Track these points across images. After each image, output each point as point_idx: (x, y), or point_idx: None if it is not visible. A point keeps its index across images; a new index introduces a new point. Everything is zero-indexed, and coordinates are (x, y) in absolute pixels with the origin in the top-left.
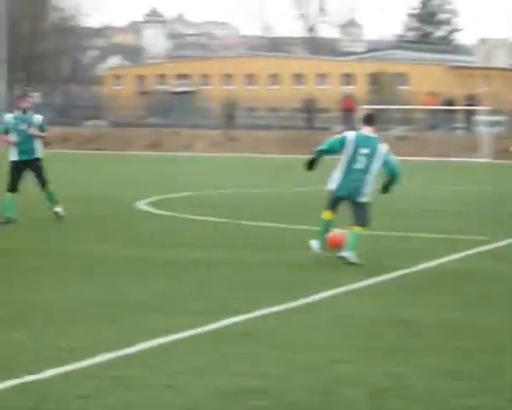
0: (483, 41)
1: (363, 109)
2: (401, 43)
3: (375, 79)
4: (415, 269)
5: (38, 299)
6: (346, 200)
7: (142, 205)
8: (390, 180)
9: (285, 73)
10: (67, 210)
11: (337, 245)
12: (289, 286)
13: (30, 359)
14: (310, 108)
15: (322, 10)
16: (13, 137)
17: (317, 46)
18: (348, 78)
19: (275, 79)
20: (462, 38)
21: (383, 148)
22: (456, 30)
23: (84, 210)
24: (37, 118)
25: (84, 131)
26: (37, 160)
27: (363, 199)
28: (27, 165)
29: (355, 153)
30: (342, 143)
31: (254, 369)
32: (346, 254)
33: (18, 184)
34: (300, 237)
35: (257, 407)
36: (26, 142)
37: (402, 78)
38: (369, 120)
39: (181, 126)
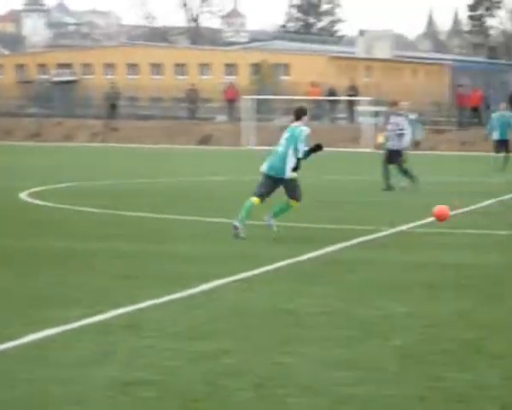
0: (364, 32)
1: (245, 99)
2: (284, 34)
3: (258, 70)
4: (301, 258)
5: None
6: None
7: (23, 196)
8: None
9: (167, 63)
10: None
11: (444, 217)
12: (174, 277)
13: None
14: (192, 99)
15: (204, 0)
16: None
17: (199, 36)
18: (231, 68)
19: (157, 68)
20: (345, 29)
21: (302, 131)
22: (338, 21)
23: None
24: None
25: None
26: None
27: (287, 176)
28: None
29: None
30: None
31: (141, 360)
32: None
33: None
34: (182, 227)
35: (144, 399)
36: None
37: (284, 68)
38: (297, 114)
39: (62, 116)
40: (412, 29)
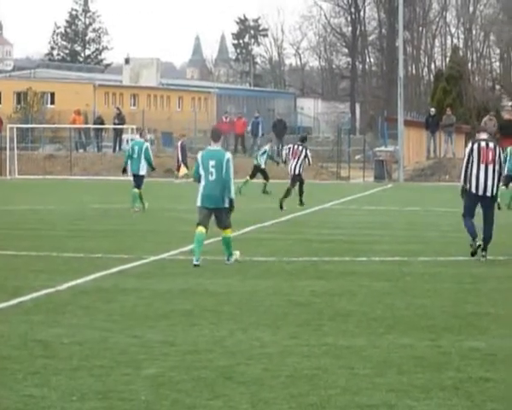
0: (129, 60)
1: (10, 128)
2: (49, 62)
3: (23, 98)
4: (60, 288)
5: None
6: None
7: None
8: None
9: None
10: None
11: None
12: None
13: None
14: None
15: None
16: None
17: None
18: None
19: None
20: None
21: (227, 155)
22: (104, 49)
23: None
24: None
25: None
26: None
27: (225, 205)
28: None
29: (207, 167)
30: (196, 164)
31: None
32: (230, 262)
33: None
34: None
35: None
36: None
37: (50, 96)
38: (215, 135)
39: None
40: (179, 57)
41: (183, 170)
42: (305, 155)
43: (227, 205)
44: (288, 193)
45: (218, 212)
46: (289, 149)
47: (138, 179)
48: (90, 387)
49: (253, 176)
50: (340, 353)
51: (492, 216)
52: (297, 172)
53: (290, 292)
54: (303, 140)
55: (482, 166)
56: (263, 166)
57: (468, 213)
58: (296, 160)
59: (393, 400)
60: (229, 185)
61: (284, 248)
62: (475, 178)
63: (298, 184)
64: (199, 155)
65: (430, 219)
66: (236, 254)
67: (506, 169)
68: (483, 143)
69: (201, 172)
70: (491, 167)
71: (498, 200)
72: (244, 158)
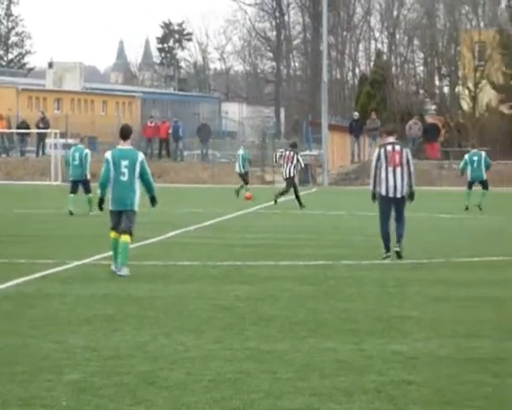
0: (53, 64)
1: None
2: None
3: None
4: None
5: None
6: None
7: None
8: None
9: None
10: None
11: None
12: None
13: None
14: None
15: None
16: None
17: None
18: None
19: None
20: (35, 61)
21: (140, 155)
22: (28, 53)
23: None
24: None
25: None
26: None
27: (134, 208)
28: None
29: (119, 167)
30: (106, 164)
31: None
32: (122, 271)
33: None
34: None
35: None
36: None
37: None
38: (124, 133)
39: None
40: (103, 61)
41: None
42: (297, 160)
43: (135, 208)
44: (283, 193)
45: (125, 213)
46: (281, 154)
47: (85, 185)
48: (12, 393)
49: (245, 182)
50: (262, 357)
51: (403, 216)
52: (291, 174)
53: (215, 296)
54: (293, 146)
55: (390, 169)
56: (243, 171)
57: (385, 218)
58: (289, 164)
59: (316, 403)
60: (151, 184)
61: (208, 252)
62: (385, 181)
63: (293, 188)
64: (108, 155)
65: (355, 223)
66: (127, 270)
67: (470, 174)
68: (389, 147)
69: (111, 172)
70: (398, 170)
71: (466, 202)
72: (168, 162)
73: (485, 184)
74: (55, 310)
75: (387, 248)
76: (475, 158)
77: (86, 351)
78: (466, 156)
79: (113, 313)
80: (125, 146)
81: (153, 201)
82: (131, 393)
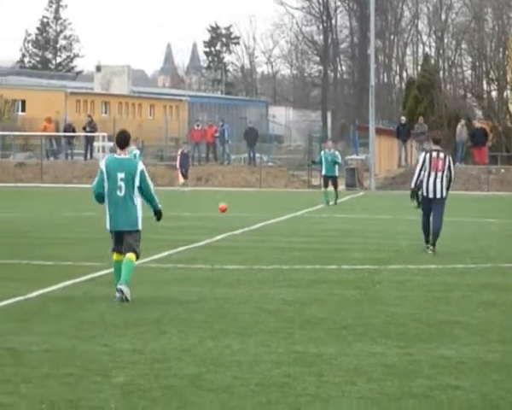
0: (101, 68)
1: None
2: (20, 70)
3: None
4: (30, 296)
5: None
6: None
7: None
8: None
9: None
10: None
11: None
12: None
13: None
14: None
15: None
16: None
17: None
18: None
19: None
20: (83, 64)
21: (140, 166)
22: (76, 56)
23: None
24: None
25: None
26: None
27: (136, 228)
28: None
29: (114, 180)
30: (100, 174)
31: None
32: (123, 288)
33: None
34: None
35: None
36: None
37: (21, 104)
38: (122, 141)
39: None
40: (151, 64)
41: (181, 179)
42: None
43: (138, 227)
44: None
45: (128, 234)
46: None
47: None
48: (60, 395)
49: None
50: (309, 361)
51: (440, 214)
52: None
53: (261, 300)
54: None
55: (432, 174)
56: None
57: (425, 214)
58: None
59: (363, 408)
60: (152, 196)
61: (255, 256)
62: (426, 183)
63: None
64: (102, 164)
65: (401, 228)
66: (128, 290)
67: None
68: (434, 154)
69: (105, 185)
70: (439, 174)
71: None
72: (215, 165)
73: None
74: (102, 313)
75: (427, 241)
76: None
77: (133, 354)
78: None
79: (159, 316)
80: (121, 155)
81: (157, 214)
82: (178, 396)
